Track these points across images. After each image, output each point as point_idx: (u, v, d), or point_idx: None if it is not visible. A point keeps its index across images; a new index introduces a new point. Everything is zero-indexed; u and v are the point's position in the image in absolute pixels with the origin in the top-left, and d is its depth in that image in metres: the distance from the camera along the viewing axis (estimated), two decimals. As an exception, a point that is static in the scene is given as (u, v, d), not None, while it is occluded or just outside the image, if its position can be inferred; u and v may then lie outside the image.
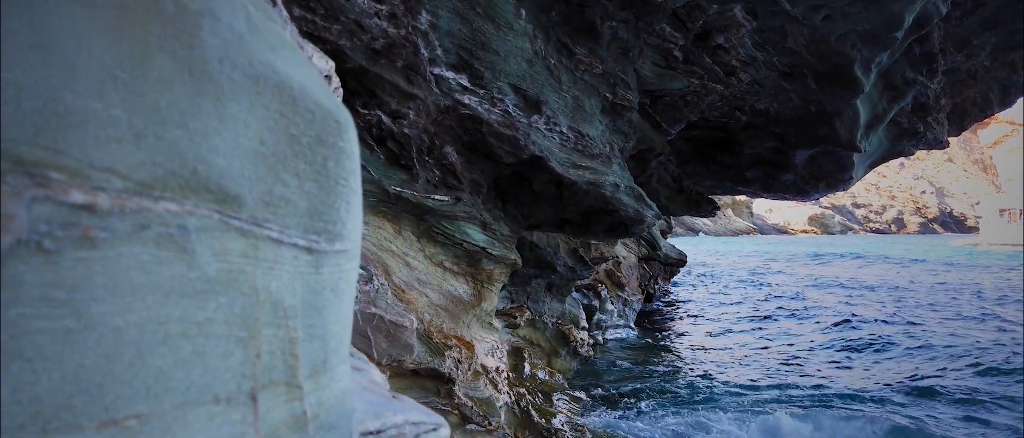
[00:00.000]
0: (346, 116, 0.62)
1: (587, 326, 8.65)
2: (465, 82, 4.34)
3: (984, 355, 8.27)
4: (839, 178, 7.68)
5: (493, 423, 4.46)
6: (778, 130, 6.69)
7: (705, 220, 65.20)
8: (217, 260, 0.51)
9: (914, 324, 11.01)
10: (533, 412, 5.21)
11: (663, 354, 9.93)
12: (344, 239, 0.64)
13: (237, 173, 0.52)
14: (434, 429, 0.85)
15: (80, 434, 0.42)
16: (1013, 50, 7.58)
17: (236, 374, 0.53)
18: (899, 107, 6.74)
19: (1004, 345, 8.83)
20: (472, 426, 4.47)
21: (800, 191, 7.94)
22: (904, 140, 7.79)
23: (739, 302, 15.96)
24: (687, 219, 63.34)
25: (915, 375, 7.77)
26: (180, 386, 0.48)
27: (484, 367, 5.06)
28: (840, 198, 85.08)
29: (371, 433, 0.78)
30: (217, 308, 0.51)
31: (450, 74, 4.25)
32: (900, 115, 7.28)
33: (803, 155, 7.10)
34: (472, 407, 4.43)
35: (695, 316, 14.04)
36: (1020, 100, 8.54)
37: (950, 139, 8.74)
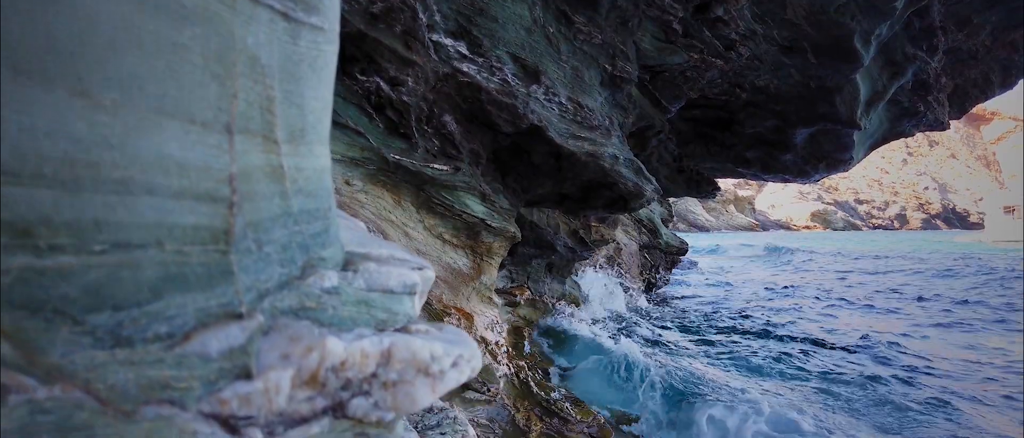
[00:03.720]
0: None
1: (587, 308, 8.64)
2: (463, 49, 4.34)
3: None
4: (839, 159, 7.67)
5: (492, 390, 4.46)
6: (778, 108, 6.68)
7: (707, 217, 65.07)
8: (193, -7, 0.52)
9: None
10: (532, 384, 5.21)
11: (664, 341, 9.89)
12: (321, 14, 0.65)
13: (212, -82, 0.53)
14: (420, 269, 0.86)
15: (52, 93, 0.43)
16: (1014, 29, 7.55)
17: (212, 105, 0.54)
18: (899, 84, 6.72)
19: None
20: (471, 393, 4.48)
21: (800, 172, 7.92)
22: (904, 120, 7.77)
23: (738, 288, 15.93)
24: (689, 216, 63.18)
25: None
26: (155, 93, 0.49)
27: (484, 339, 5.07)
28: (843, 194, 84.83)
29: (356, 254, 0.79)
30: (193, 38, 0.52)
31: (449, 41, 4.25)
32: (900, 94, 7.26)
33: (803, 134, 7.09)
34: (471, 373, 4.45)
35: (695, 305, 14.01)
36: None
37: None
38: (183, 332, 0.46)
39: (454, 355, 0.60)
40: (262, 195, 0.57)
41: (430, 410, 2.20)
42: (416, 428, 2.15)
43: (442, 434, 2.09)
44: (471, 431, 2.19)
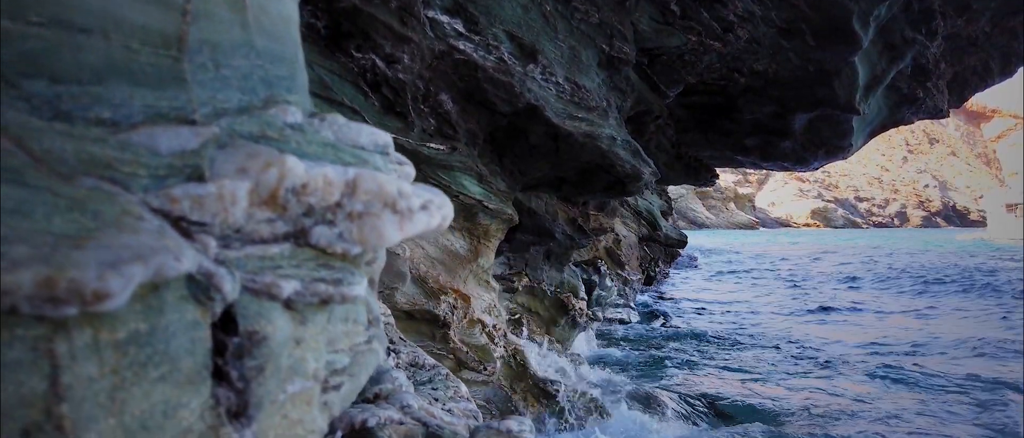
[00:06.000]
0: None
1: (586, 297, 8.62)
2: (460, 27, 4.32)
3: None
4: (838, 145, 7.64)
5: (489, 368, 4.45)
6: (776, 93, 6.66)
7: (707, 214, 65.08)
8: None
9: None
10: (529, 366, 5.19)
11: (666, 335, 9.88)
12: None
13: None
14: (400, 164, 0.85)
15: None
16: (1013, 15, 7.52)
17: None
18: (898, 68, 6.70)
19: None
20: (468, 373, 4.46)
21: (799, 159, 7.90)
22: (903, 107, 7.75)
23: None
24: (689, 213, 63.18)
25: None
26: None
27: (481, 321, 5.05)
28: (843, 192, 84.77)
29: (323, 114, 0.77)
30: None
31: (445, 18, 4.23)
32: (899, 80, 7.24)
33: (802, 119, 7.06)
34: (468, 352, 4.43)
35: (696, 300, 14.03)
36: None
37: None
38: (129, 122, 0.44)
39: (424, 198, 0.58)
40: (220, 19, 0.54)
41: (422, 366, 2.18)
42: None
43: (434, 389, 2.07)
44: (463, 388, 2.16)
